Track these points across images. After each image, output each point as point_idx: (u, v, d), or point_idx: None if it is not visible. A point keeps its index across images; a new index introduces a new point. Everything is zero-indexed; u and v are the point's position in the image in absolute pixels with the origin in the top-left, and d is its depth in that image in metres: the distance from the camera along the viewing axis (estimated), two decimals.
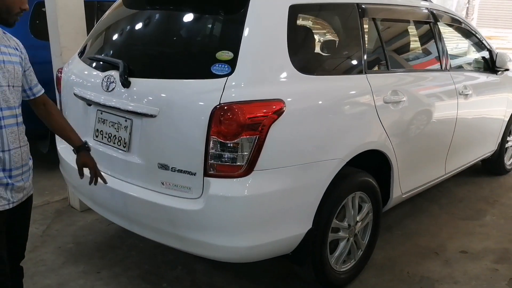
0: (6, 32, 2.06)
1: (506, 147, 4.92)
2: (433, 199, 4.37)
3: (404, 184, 3.30)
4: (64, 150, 3.09)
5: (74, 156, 2.82)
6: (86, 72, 2.90)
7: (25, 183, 2.11)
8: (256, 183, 2.26)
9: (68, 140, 2.34)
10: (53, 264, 3.14)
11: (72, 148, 2.35)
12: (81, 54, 3.12)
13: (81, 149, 2.33)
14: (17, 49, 2.06)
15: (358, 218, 2.90)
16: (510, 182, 4.88)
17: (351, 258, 2.97)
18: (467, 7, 20.84)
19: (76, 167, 2.39)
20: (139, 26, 2.89)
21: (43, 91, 2.24)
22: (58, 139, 3.24)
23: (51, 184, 4.38)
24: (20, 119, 2.06)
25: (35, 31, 4.55)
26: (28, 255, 3.16)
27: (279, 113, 2.27)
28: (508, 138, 4.89)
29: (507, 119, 4.63)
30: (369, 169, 2.95)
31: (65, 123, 2.33)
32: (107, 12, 3.16)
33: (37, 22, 4.55)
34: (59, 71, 3.23)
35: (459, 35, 4.32)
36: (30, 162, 2.17)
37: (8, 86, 1.98)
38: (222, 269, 3.09)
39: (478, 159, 4.49)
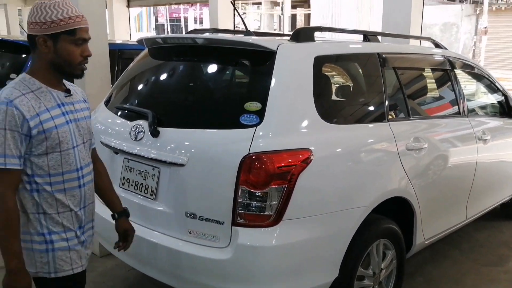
0: (72, 84, 2.04)
1: None
2: (453, 244, 4.32)
3: (427, 230, 3.28)
4: None
5: (100, 203, 2.87)
6: (113, 121, 2.96)
7: (92, 239, 2.10)
8: (284, 232, 2.27)
9: (110, 204, 2.28)
10: None
11: (112, 213, 2.29)
12: (107, 102, 3.19)
13: (122, 215, 2.28)
14: (85, 100, 2.06)
15: (382, 266, 2.88)
16: None
17: None
18: (474, 49, 21.09)
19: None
20: (166, 76, 2.97)
21: (94, 145, 2.19)
22: None
23: None
24: (93, 175, 2.06)
25: None
26: None
27: (307, 162, 2.30)
28: None
29: None
30: (392, 215, 2.95)
31: (110, 185, 2.28)
32: (133, 62, 3.26)
33: None
34: None
35: (475, 80, 4.38)
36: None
37: (84, 143, 1.99)
38: None
39: (498, 204, 4.45)
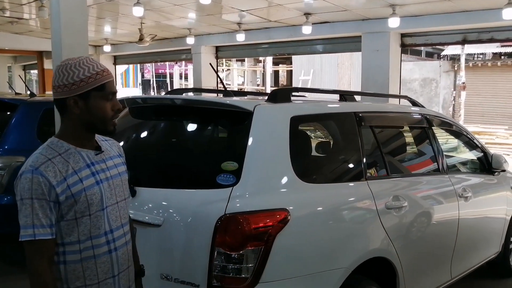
0: (107, 139, 1.94)
1: (511, 248, 4.85)
2: None
3: None
4: None
5: None
6: None
7: None
8: None
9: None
10: None
11: None
12: None
13: (140, 274, 2.12)
14: (120, 155, 1.94)
15: None
16: None
17: None
18: (453, 104, 21.63)
19: None
20: (145, 135, 2.97)
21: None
22: None
23: None
24: (129, 236, 1.92)
25: (42, 136, 4.65)
26: None
27: (284, 222, 2.27)
28: None
29: (509, 217, 4.61)
30: (373, 276, 2.89)
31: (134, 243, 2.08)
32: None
33: (45, 127, 4.67)
34: None
35: (454, 137, 4.44)
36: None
37: (117, 202, 1.85)
38: None
39: (483, 262, 4.40)
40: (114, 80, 1.88)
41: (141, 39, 9.70)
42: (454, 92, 21.76)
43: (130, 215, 2.44)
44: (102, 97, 1.75)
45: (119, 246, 1.83)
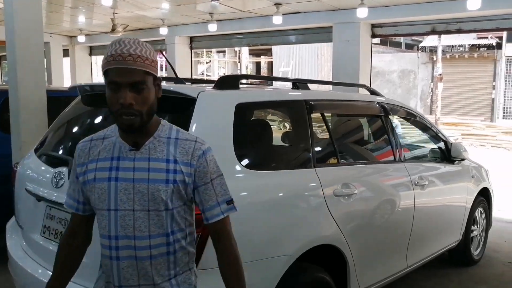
0: (186, 138, 1.68)
1: (472, 237, 4.91)
2: None
3: (363, 278, 3.23)
4: (13, 247, 3.00)
5: (23, 254, 2.75)
6: (38, 168, 2.90)
7: None
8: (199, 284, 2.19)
9: None
10: None
11: None
12: (37, 149, 3.13)
13: None
14: (174, 161, 1.62)
15: None
16: (479, 274, 4.76)
17: None
18: (431, 95, 21.84)
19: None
20: (93, 123, 2.93)
21: (215, 218, 1.69)
22: (8, 233, 3.16)
23: (3, 280, 4.18)
24: (146, 253, 1.63)
25: (2, 125, 4.57)
26: None
27: None
28: (473, 227, 4.89)
29: (469, 206, 4.66)
30: (324, 264, 2.90)
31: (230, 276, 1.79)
32: (65, 109, 3.22)
33: (6, 116, 4.59)
34: (15, 165, 3.23)
35: (414, 126, 4.47)
36: None
37: (133, 210, 1.60)
38: None
39: (443, 250, 4.44)
40: (131, 68, 1.53)
41: (113, 29, 9.59)
42: (432, 83, 21.98)
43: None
44: (107, 86, 1.56)
45: (123, 257, 1.62)
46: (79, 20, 10.41)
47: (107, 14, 9.21)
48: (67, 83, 13.17)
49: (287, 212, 2.61)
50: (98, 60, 22.16)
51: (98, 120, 2.90)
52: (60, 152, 2.86)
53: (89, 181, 1.65)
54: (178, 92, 2.53)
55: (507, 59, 21.14)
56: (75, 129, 3.01)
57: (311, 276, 2.74)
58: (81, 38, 11.97)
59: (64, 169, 2.59)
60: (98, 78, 22.07)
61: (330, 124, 3.19)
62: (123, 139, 1.63)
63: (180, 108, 2.52)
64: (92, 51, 13.40)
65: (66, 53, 13.14)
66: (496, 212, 5.83)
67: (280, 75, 21.36)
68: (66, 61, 13.27)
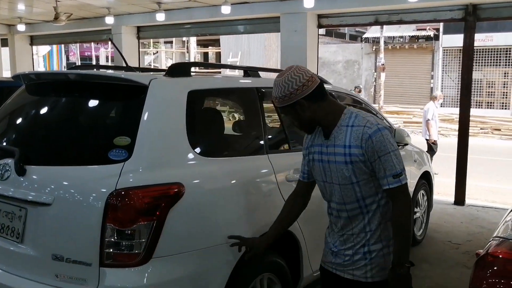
0: (355, 125, 2.05)
1: (415, 218, 5.12)
2: None
3: (315, 261, 3.30)
4: None
5: None
6: None
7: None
8: (155, 271, 2.19)
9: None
10: None
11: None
12: None
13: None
14: (349, 146, 2.04)
15: None
16: (421, 253, 4.99)
17: None
18: (375, 85, 22.50)
19: None
20: (39, 112, 2.84)
21: (387, 186, 2.04)
22: None
23: None
24: (344, 214, 2.18)
25: None
26: None
27: (177, 197, 2.26)
28: (416, 209, 5.10)
29: (411, 189, 4.85)
30: (277, 249, 2.95)
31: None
32: (8, 99, 3.09)
33: None
34: None
35: None
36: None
37: (324, 181, 2.20)
38: None
39: None
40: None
41: (56, 18, 9.23)
42: (375, 73, 22.62)
43: (19, 195, 2.38)
44: None
45: (335, 215, 2.22)
46: (18, 8, 9.96)
47: (49, 2, 8.85)
48: (6, 74, 12.59)
49: (241, 198, 2.64)
50: (39, 51, 21.30)
51: (44, 109, 2.81)
52: (4, 143, 2.75)
53: (310, 160, 2.24)
54: (129, 80, 2.49)
55: (444, 50, 22.06)
56: (20, 120, 2.91)
57: (266, 260, 2.79)
58: (21, 27, 11.46)
59: (10, 161, 2.49)
60: (40, 68, 21.23)
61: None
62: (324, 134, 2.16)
63: (131, 96, 2.48)
64: (33, 40, 12.85)
65: (4, 42, 12.55)
66: (435, 195, 6.11)
67: None
68: (5, 51, 12.68)
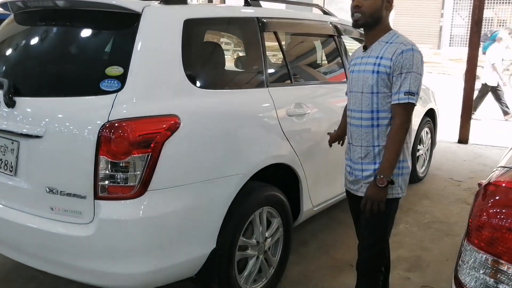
0: (394, 42, 2.21)
1: (418, 156, 5.08)
2: (349, 210, 4.39)
3: (315, 196, 3.29)
4: None
5: None
6: None
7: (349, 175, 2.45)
8: (151, 204, 2.15)
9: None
10: None
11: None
12: None
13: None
14: (381, 57, 2.20)
15: (267, 234, 2.84)
16: (423, 190, 5.02)
17: (263, 276, 2.89)
18: None
19: None
20: (28, 43, 2.71)
21: (394, 102, 2.19)
22: None
23: None
24: (366, 122, 2.28)
25: None
26: None
27: (173, 129, 2.18)
28: (419, 147, 5.05)
29: (416, 127, 4.78)
30: (278, 183, 2.92)
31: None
32: None
33: None
34: None
35: None
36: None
37: (351, 91, 2.34)
38: None
39: None
40: None
41: None
42: None
43: (9, 127, 2.31)
44: None
45: (353, 124, 2.33)
46: None
47: None
48: None
49: (240, 131, 2.56)
50: None
51: (33, 39, 2.68)
52: None
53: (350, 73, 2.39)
54: (121, 7, 2.34)
55: None
56: (9, 50, 2.78)
57: (265, 194, 2.75)
58: None
59: (0, 92, 2.40)
60: None
61: (283, 44, 3.08)
62: (363, 46, 2.32)
63: (124, 24, 2.35)
64: None
65: None
66: (440, 133, 6.04)
67: None
68: None
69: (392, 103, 2.19)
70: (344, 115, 2.59)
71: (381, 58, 2.20)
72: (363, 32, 2.38)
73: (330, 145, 2.75)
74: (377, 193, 2.19)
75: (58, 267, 2.32)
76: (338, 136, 2.71)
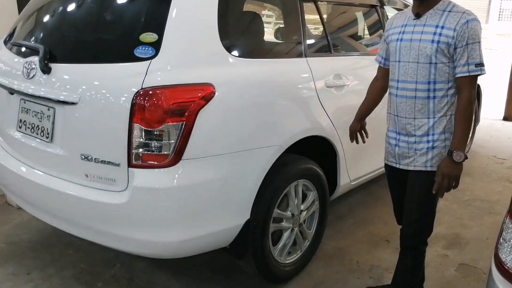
0: (453, 10, 2.10)
1: None
2: (387, 185, 4.29)
3: (353, 171, 3.21)
4: None
5: (2, 151, 2.63)
6: (8, 59, 2.69)
7: (396, 149, 2.34)
8: (185, 173, 2.11)
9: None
10: None
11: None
12: (7, 40, 2.90)
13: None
14: (442, 27, 2.09)
15: (302, 207, 2.79)
16: (464, 167, 4.45)
17: (297, 249, 2.86)
18: None
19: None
20: (63, 9, 2.68)
21: (462, 74, 2.10)
22: None
23: None
24: (412, 93, 2.20)
25: None
26: None
27: (208, 98, 2.12)
28: None
29: None
30: (315, 156, 2.84)
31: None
32: None
33: None
34: None
35: None
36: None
37: (409, 61, 2.18)
38: (163, 266, 2.95)
39: None
40: None
41: None
42: None
43: (46, 94, 2.31)
44: None
45: (400, 95, 2.23)
46: None
47: None
48: None
49: (276, 102, 2.48)
50: None
51: (69, 5, 2.65)
52: (32, 41, 2.64)
53: (388, 42, 2.30)
54: None
55: None
56: (46, 16, 2.77)
57: (300, 167, 2.69)
58: None
59: (36, 59, 2.39)
60: None
61: (323, 14, 2.96)
62: (412, 12, 2.20)
63: None
64: None
65: None
66: (484, 110, 5.81)
67: None
68: None
69: (460, 75, 2.10)
70: (365, 102, 2.59)
71: (442, 27, 2.08)
72: (408, 2, 2.27)
73: (352, 141, 2.71)
74: (454, 169, 2.11)
75: (94, 234, 2.33)
76: (357, 128, 2.66)
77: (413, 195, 2.29)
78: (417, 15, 2.18)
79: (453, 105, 2.19)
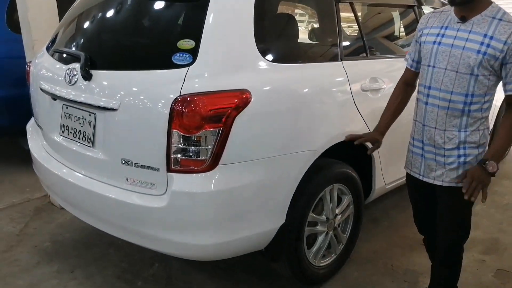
0: (503, 19, 1.94)
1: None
2: None
3: (388, 174, 3.18)
4: (36, 148, 2.98)
5: (46, 154, 2.72)
6: (51, 66, 2.79)
7: (423, 161, 2.24)
8: (221, 177, 2.15)
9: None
10: (27, 264, 3.04)
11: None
12: (49, 47, 3.01)
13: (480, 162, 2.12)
14: (490, 37, 1.93)
15: (337, 211, 2.80)
16: (503, 170, 4.74)
17: (332, 252, 2.87)
18: None
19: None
20: (102, 16, 2.76)
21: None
22: (29, 134, 3.15)
23: (33, 181, 4.28)
24: (445, 104, 2.07)
25: (12, 25, 4.42)
26: (3, 255, 3.09)
27: (244, 104, 2.15)
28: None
29: (498, 103, 4.48)
30: (350, 160, 2.84)
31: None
32: (75, 2, 3.05)
33: (14, 15, 4.42)
34: (28, 64, 3.13)
35: None
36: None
37: (445, 69, 2.03)
38: (200, 267, 3.00)
39: None
40: None
41: None
42: None
43: (87, 100, 2.38)
44: None
45: (430, 103, 2.10)
46: None
47: None
48: None
49: (312, 106, 2.49)
50: None
51: (108, 12, 2.72)
52: (73, 48, 2.72)
53: (421, 42, 2.15)
54: None
55: None
56: (86, 23, 2.85)
57: (336, 171, 2.70)
58: None
59: (77, 65, 2.47)
60: None
61: (359, 16, 2.94)
62: (455, 14, 2.02)
63: None
64: None
65: None
66: None
67: None
68: None
69: (509, 93, 1.99)
70: (388, 111, 2.43)
71: (491, 38, 1.92)
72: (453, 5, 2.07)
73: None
74: (485, 177, 2.00)
75: (133, 235, 2.40)
76: (380, 142, 2.46)
77: (447, 215, 2.22)
78: (462, 19, 2.01)
79: (486, 119, 2.10)
